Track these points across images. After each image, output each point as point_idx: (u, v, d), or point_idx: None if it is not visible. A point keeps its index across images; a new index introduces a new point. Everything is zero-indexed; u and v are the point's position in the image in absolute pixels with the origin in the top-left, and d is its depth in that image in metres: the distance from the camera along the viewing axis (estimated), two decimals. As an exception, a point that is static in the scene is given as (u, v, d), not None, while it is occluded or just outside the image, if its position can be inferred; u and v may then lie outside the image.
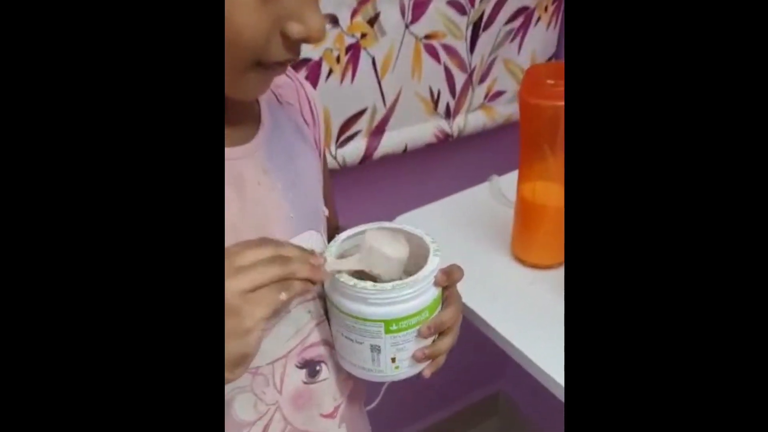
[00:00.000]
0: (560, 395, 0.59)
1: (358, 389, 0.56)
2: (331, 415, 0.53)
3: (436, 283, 0.48)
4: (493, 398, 1.34)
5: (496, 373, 1.30)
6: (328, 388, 0.52)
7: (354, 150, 0.87)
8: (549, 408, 1.12)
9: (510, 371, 1.27)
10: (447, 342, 0.50)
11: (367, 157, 0.89)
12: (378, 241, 0.46)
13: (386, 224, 0.52)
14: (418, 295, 0.46)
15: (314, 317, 0.52)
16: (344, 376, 0.53)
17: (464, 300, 0.68)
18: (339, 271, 0.45)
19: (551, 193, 0.68)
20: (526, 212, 0.72)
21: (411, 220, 0.83)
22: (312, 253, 0.42)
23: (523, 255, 0.74)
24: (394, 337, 0.46)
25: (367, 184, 0.95)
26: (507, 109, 1.03)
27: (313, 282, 0.41)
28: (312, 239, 0.52)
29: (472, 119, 0.99)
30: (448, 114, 0.96)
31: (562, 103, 0.61)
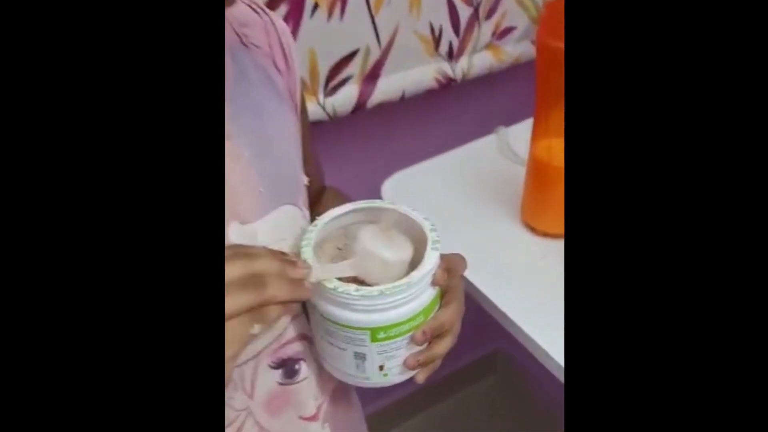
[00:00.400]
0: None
1: (344, 384, 0.50)
2: (313, 417, 0.46)
3: (434, 283, 0.40)
4: (492, 356, 1.32)
5: (495, 331, 1.27)
6: (308, 388, 0.46)
7: (345, 98, 0.78)
8: (548, 366, 1.11)
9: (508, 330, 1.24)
10: (445, 344, 0.43)
11: (359, 107, 0.80)
12: (374, 241, 0.38)
13: (377, 203, 0.44)
14: (411, 299, 0.39)
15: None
16: (327, 374, 0.46)
17: (466, 273, 0.61)
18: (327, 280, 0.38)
19: (570, 153, 0.60)
20: (539, 174, 0.63)
21: (408, 178, 0.75)
22: (293, 261, 0.35)
23: (534, 222, 0.66)
24: (382, 345, 0.39)
25: (360, 137, 0.87)
26: (516, 49, 0.93)
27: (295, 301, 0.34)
28: (289, 216, 0.44)
29: (477, 61, 0.89)
30: (451, 55, 0.86)
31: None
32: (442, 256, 0.41)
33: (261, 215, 0.41)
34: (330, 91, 0.77)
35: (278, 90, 0.45)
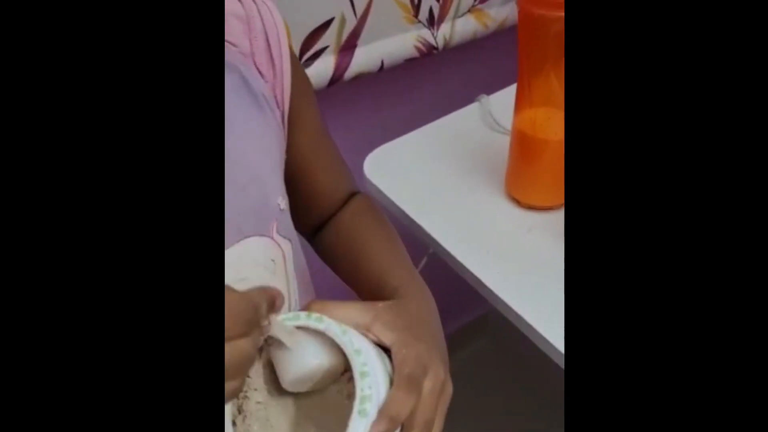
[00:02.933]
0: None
1: None
2: None
3: None
4: (482, 320, 1.32)
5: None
6: None
7: (320, 70, 0.75)
8: None
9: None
10: None
11: (336, 79, 0.77)
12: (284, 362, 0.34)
13: (301, 319, 0.35)
14: None
15: None
16: None
17: (453, 251, 0.60)
18: None
19: (554, 124, 0.58)
20: (523, 146, 0.61)
21: (389, 153, 0.73)
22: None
23: (519, 194, 0.64)
24: None
25: (338, 111, 0.84)
26: (501, 13, 0.89)
27: None
28: (255, 250, 0.39)
29: (460, 26, 0.86)
30: (432, 21, 0.83)
31: (574, 13, 0.49)
32: (381, 410, 0.33)
33: None
34: (304, 64, 0.74)
35: (256, 96, 0.40)
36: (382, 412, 0.33)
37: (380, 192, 0.67)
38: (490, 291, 0.57)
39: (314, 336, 0.34)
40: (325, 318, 0.35)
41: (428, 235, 0.62)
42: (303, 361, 0.34)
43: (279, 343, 0.34)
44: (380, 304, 0.39)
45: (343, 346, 0.34)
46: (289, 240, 0.42)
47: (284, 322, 0.35)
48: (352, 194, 0.52)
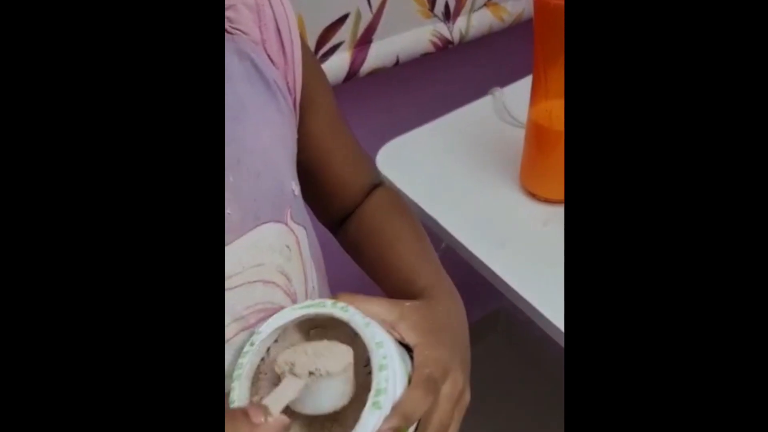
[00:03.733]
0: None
1: None
2: None
3: None
4: (493, 316, 1.32)
5: (496, 291, 1.27)
6: None
7: (336, 66, 0.75)
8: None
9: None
10: None
11: (351, 74, 0.77)
12: (301, 370, 0.32)
13: (326, 308, 0.36)
14: None
15: None
16: None
17: (468, 244, 0.59)
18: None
19: (571, 116, 0.57)
20: (539, 139, 0.61)
21: (402, 146, 0.73)
22: (245, 413, 0.30)
23: (534, 188, 0.64)
24: None
25: (352, 106, 0.84)
26: (517, 6, 0.88)
27: None
28: (270, 236, 0.38)
29: (476, 20, 0.85)
30: (448, 15, 0.82)
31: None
32: (395, 406, 0.33)
33: (229, 240, 0.37)
34: (320, 60, 0.74)
35: (268, 83, 0.40)
36: (396, 408, 0.32)
37: (393, 185, 0.67)
38: (506, 285, 0.56)
39: (326, 379, 0.33)
40: (350, 308, 0.35)
41: (443, 229, 0.62)
42: (317, 404, 0.33)
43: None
44: (407, 304, 0.38)
45: (364, 338, 0.33)
46: (303, 227, 0.42)
47: (307, 309, 0.35)
48: (375, 186, 0.51)
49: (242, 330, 0.38)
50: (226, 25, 0.40)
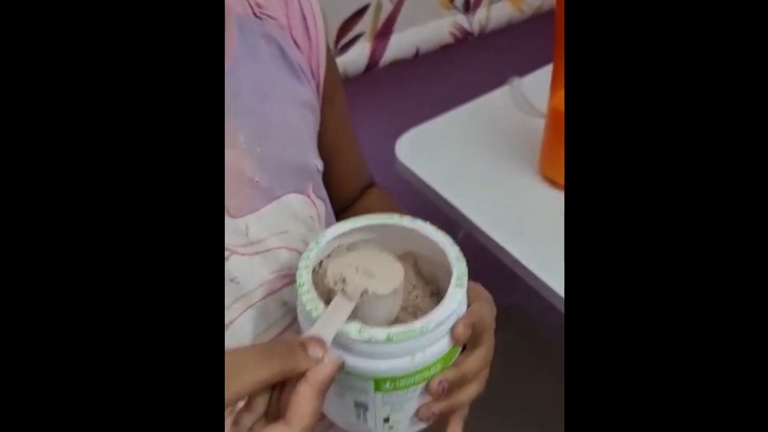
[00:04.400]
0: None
1: None
2: None
3: (454, 340, 0.33)
4: (506, 311, 1.31)
5: (509, 286, 1.27)
6: None
7: (356, 57, 0.76)
8: (563, 320, 1.10)
9: (524, 284, 1.23)
10: (468, 393, 0.35)
11: (372, 65, 0.77)
12: (353, 281, 0.32)
13: (394, 219, 0.37)
14: (426, 346, 0.32)
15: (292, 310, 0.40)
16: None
17: (489, 232, 0.59)
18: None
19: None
20: (559, 125, 0.60)
21: (421, 135, 0.73)
22: (303, 345, 0.29)
23: (554, 174, 0.64)
24: (389, 395, 0.33)
25: (373, 97, 0.84)
26: (537, -2, 0.88)
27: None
28: (294, 206, 0.40)
29: (496, 12, 0.85)
30: (467, 7, 0.83)
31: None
32: (469, 305, 0.35)
33: (254, 208, 0.38)
34: (340, 51, 0.75)
35: (293, 65, 0.42)
36: (471, 311, 0.34)
37: (412, 173, 0.67)
38: (525, 269, 0.56)
39: (375, 301, 0.33)
40: (419, 220, 0.37)
41: (463, 216, 0.62)
42: (363, 321, 0.33)
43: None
44: None
45: (437, 239, 0.36)
46: (323, 201, 0.43)
47: (372, 219, 0.37)
48: (368, 186, 0.53)
49: (268, 294, 0.39)
50: (256, 10, 0.41)
